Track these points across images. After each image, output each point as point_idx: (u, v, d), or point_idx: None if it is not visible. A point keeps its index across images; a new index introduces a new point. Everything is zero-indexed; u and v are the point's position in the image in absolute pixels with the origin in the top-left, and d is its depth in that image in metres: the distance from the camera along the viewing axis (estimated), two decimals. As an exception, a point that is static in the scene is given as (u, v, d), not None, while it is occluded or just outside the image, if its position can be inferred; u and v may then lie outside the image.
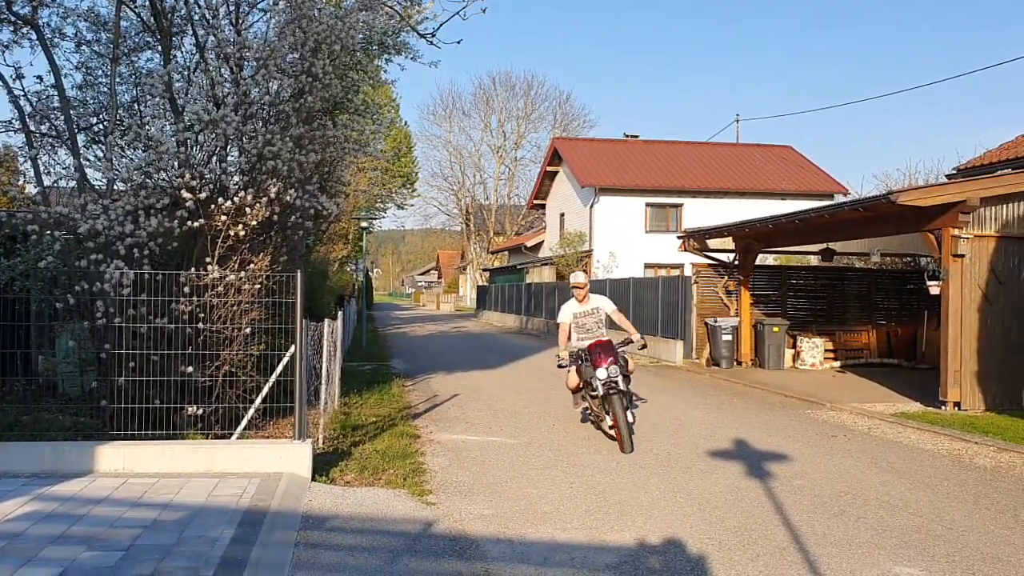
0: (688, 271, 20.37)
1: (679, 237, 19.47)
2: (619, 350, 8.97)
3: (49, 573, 4.55)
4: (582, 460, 8.39)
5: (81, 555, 4.87)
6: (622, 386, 8.62)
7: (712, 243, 18.47)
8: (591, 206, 33.39)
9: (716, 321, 18.12)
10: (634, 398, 9.32)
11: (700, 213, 31.11)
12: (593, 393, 8.88)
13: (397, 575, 5.01)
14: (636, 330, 9.57)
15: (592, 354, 8.91)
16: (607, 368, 8.64)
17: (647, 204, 33.46)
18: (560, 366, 9.49)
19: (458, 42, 10.06)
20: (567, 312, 9.57)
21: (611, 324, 9.79)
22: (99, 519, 5.63)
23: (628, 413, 8.67)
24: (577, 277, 9.59)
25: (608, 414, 8.83)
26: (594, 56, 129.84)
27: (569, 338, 9.54)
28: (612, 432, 8.88)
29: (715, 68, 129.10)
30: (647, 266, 32.02)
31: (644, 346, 9.83)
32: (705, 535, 5.92)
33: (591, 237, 33.37)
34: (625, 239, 32.54)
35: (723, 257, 18.79)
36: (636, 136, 40.30)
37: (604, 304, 9.67)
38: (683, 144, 39.13)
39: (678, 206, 33.51)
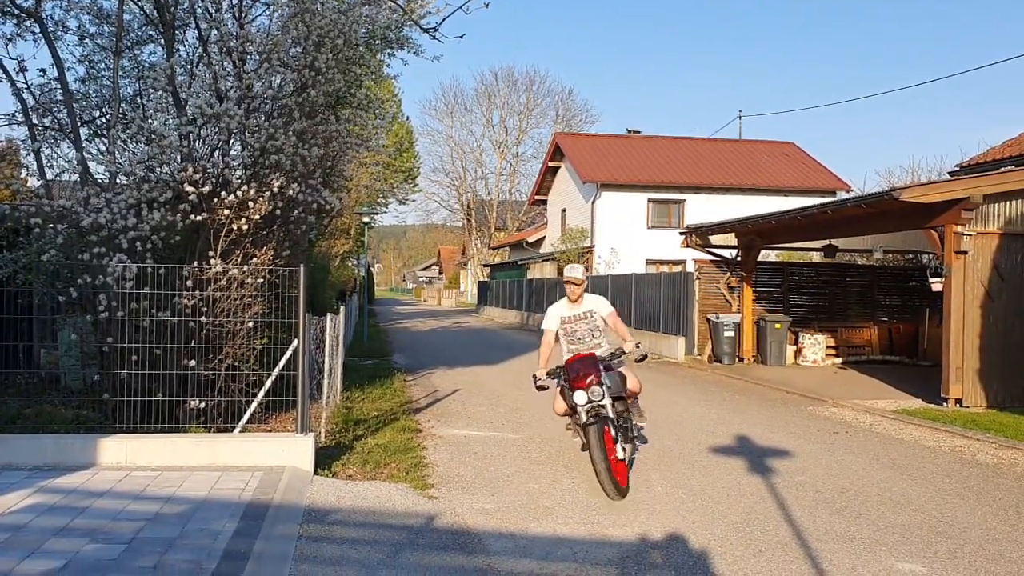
0: (690, 267, 20.38)
1: (681, 233, 19.45)
2: (612, 362, 7.11)
3: (53, 565, 4.56)
4: (584, 456, 8.34)
5: (84, 547, 4.88)
6: (610, 412, 6.73)
7: (714, 239, 18.46)
8: (593, 202, 33.37)
9: (718, 317, 18.11)
10: (636, 422, 7.37)
11: (702, 209, 31.07)
12: (580, 421, 6.97)
13: (399, 568, 5.01)
14: (631, 337, 7.37)
15: (569, 372, 7.03)
16: (587, 390, 6.72)
17: (649, 200, 33.44)
18: (540, 388, 7.23)
19: (461, 36, 10.01)
20: (553, 316, 7.61)
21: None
22: (102, 512, 5.64)
23: (618, 447, 6.74)
24: (574, 270, 7.51)
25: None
26: (595, 53, 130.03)
27: (558, 344, 7.66)
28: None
29: (716, 66, 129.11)
30: (649, 262, 32.02)
31: (644, 357, 7.54)
32: (707, 530, 5.92)
33: (593, 233, 33.35)
34: (627, 235, 32.52)
35: (725, 253, 18.78)
36: (638, 132, 40.25)
37: (600, 306, 7.56)
38: (685, 140, 39.09)
39: (680, 202, 33.48)
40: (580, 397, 6.73)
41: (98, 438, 7.12)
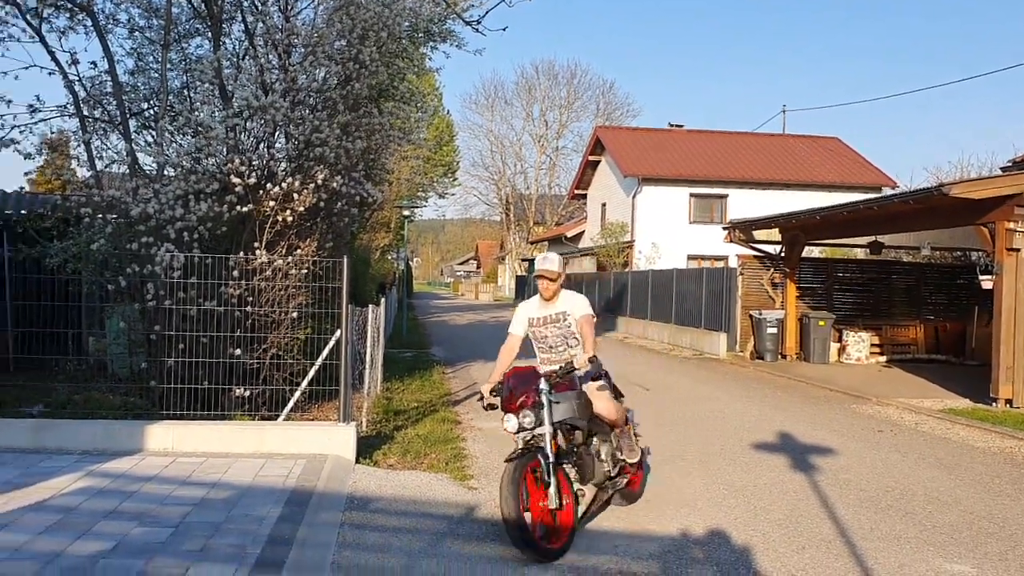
0: (733, 263, 20.15)
1: (724, 228, 19.25)
2: (566, 378, 5.50)
3: (103, 547, 4.65)
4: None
5: (133, 530, 4.98)
6: (548, 444, 5.20)
7: (758, 234, 18.22)
8: (633, 196, 33.15)
9: (761, 314, 17.89)
10: (624, 457, 5.87)
11: (745, 204, 30.68)
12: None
13: (441, 557, 5.03)
14: (594, 349, 5.65)
15: (503, 391, 5.53)
16: (519, 416, 5.25)
17: (691, 195, 33.10)
18: (488, 407, 5.64)
19: (503, 29, 10.03)
20: (521, 317, 6.12)
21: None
22: (149, 496, 5.75)
23: (551, 492, 5.12)
24: (547, 262, 5.91)
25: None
26: (634, 47, 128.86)
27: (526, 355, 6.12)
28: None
29: (753, 60, 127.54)
30: (690, 257, 31.70)
31: (600, 376, 5.82)
32: (750, 527, 5.86)
33: (633, 227, 33.13)
34: (668, 230, 32.23)
35: (769, 249, 18.54)
36: (681, 126, 39.85)
37: (576, 307, 5.95)
38: (728, 134, 38.61)
39: (723, 197, 33.09)
40: (509, 423, 5.30)
41: (145, 424, 7.27)
